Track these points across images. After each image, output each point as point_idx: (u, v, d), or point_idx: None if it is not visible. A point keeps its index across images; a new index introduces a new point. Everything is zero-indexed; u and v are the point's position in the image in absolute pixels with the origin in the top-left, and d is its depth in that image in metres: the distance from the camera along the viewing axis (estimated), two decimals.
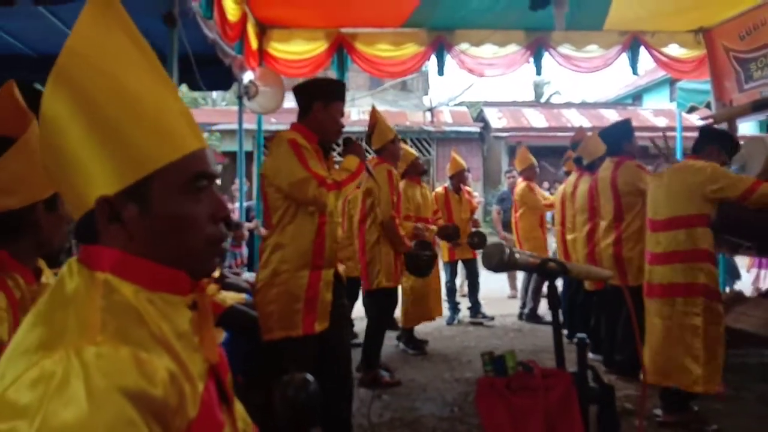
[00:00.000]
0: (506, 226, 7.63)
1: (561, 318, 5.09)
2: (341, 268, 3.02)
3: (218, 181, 0.92)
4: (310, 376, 1.03)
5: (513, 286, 8.17)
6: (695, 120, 8.59)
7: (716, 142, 3.49)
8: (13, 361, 0.71)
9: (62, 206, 1.46)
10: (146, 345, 0.75)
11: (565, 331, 4.92)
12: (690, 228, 3.22)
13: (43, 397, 0.65)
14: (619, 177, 4.20)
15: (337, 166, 2.93)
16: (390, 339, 5.51)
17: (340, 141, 3.03)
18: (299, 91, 2.92)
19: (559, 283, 5.45)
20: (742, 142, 4.55)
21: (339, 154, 3.01)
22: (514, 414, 1.29)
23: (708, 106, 6.35)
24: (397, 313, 5.39)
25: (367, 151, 3.15)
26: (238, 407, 0.97)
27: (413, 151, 5.38)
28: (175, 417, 0.74)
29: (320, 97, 2.81)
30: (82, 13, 0.82)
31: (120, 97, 0.79)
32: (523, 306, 6.69)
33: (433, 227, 5.17)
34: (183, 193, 0.83)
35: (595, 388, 1.40)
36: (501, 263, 1.31)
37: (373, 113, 4.49)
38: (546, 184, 12.80)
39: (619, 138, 4.38)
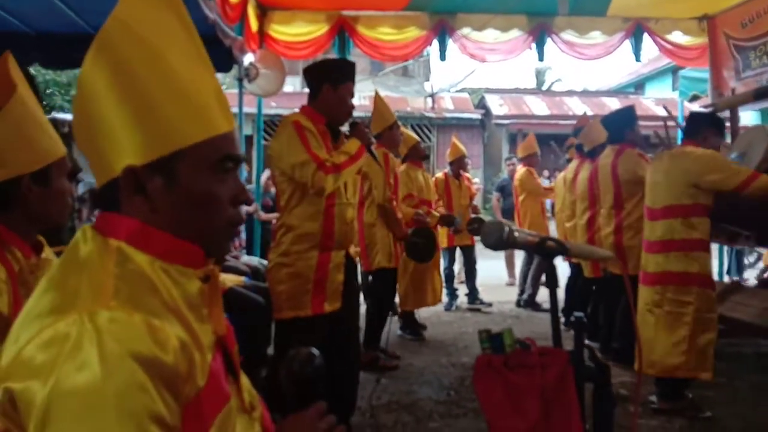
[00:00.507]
0: (505, 213, 7.63)
1: (560, 305, 5.11)
2: (353, 250, 3.01)
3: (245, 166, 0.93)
4: (315, 351, 1.03)
5: (511, 273, 8.18)
6: (697, 109, 8.56)
7: (711, 125, 3.46)
8: (26, 325, 0.72)
9: (57, 181, 1.42)
10: (158, 313, 0.76)
11: (562, 319, 4.94)
12: (686, 217, 3.21)
13: (56, 359, 0.67)
14: (620, 165, 4.18)
15: None
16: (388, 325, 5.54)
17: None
18: (309, 73, 2.92)
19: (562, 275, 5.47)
20: (742, 132, 4.55)
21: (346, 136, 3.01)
22: (511, 391, 1.31)
23: (708, 94, 6.34)
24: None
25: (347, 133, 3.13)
26: (244, 380, 0.98)
27: (414, 135, 5.36)
28: (185, 385, 0.75)
29: (329, 79, 2.81)
30: None
31: (159, 71, 0.80)
32: (521, 293, 6.71)
33: (435, 213, 5.17)
34: (211, 172, 0.85)
35: (591, 367, 1.41)
36: (500, 241, 1.31)
37: (375, 99, 4.49)
38: (546, 173, 12.80)
39: (621, 126, 4.36)
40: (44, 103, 11.63)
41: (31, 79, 3.90)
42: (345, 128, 3.07)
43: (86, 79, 0.81)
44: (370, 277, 4.66)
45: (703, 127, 3.42)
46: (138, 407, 0.67)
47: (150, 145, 0.80)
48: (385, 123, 4.39)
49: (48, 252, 1.52)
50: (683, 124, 3.60)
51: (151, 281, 0.79)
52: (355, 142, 2.89)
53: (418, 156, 5.24)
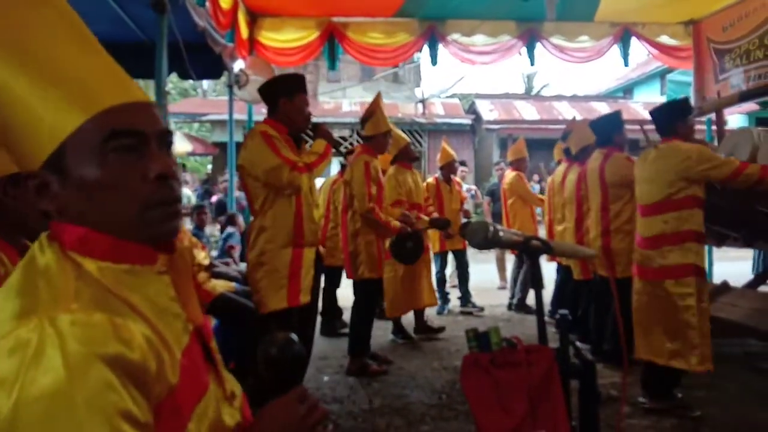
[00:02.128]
0: (495, 217, 7.66)
1: (549, 307, 5.14)
2: (321, 249, 3.41)
3: (172, 141, 0.89)
4: (294, 335, 1.03)
5: (503, 277, 8.20)
6: None
7: (678, 115, 3.46)
8: None
9: None
10: (121, 312, 0.75)
11: (552, 320, 4.96)
12: (678, 210, 3.25)
13: (20, 367, 0.65)
14: (607, 168, 4.22)
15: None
16: (380, 329, 5.55)
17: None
18: (264, 91, 3.24)
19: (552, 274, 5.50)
20: (728, 134, 4.61)
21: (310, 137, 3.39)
22: (498, 388, 1.32)
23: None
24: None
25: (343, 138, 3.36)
26: (224, 369, 0.97)
27: (405, 136, 5.34)
28: (155, 383, 0.74)
29: (284, 93, 3.12)
30: None
31: (16, 74, 0.75)
32: (512, 296, 6.73)
33: (425, 217, 5.16)
34: (97, 156, 0.78)
35: (576, 364, 1.42)
36: (485, 240, 1.33)
37: (376, 101, 4.50)
38: (536, 177, 12.85)
39: (609, 129, 4.40)
40: None
41: None
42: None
43: None
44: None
45: (673, 122, 3.43)
46: (107, 406, 0.67)
47: (37, 148, 0.77)
48: (379, 129, 4.40)
49: None
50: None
51: (106, 287, 0.77)
52: (321, 142, 3.25)
53: (407, 158, 5.22)
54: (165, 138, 0.85)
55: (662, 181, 3.31)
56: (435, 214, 5.56)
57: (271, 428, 0.93)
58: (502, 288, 8.01)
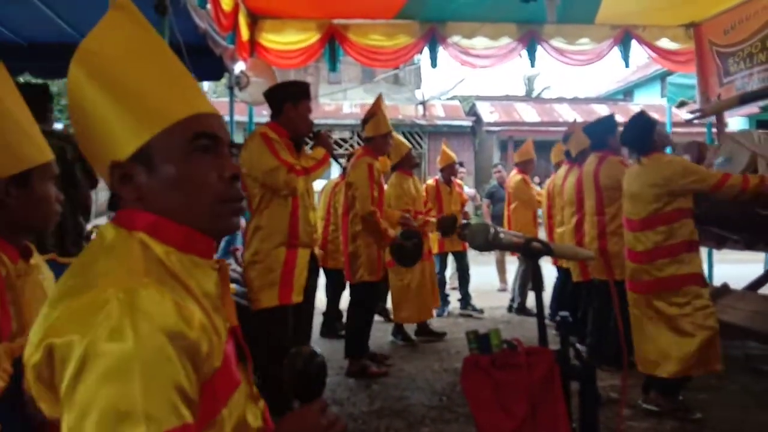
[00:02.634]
0: (495, 219, 7.65)
1: (548, 309, 5.13)
2: (317, 251, 3.47)
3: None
4: (317, 349, 1.10)
5: (503, 279, 8.21)
6: (685, 115, 8.65)
7: (648, 129, 3.45)
8: (57, 303, 0.78)
9: (40, 186, 1.41)
10: (181, 295, 0.83)
11: (552, 322, 4.96)
12: (668, 224, 3.26)
13: (94, 321, 0.73)
14: (602, 171, 4.23)
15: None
16: (381, 330, 5.55)
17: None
18: (270, 95, 3.33)
19: (551, 277, 5.50)
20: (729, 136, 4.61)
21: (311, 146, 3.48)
22: (499, 390, 1.32)
23: (695, 101, 6.41)
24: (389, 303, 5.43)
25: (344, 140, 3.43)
26: (252, 376, 1.04)
27: (407, 143, 5.35)
28: (204, 363, 0.81)
29: (289, 98, 3.21)
30: (106, 15, 0.95)
31: (104, 95, 0.89)
32: (513, 299, 6.73)
33: (433, 219, 5.17)
34: (184, 153, 0.90)
35: (576, 366, 1.42)
36: (485, 242, 1.33)
37: (378, 102, 4.51)
38: (537, 179, 12.86)
39: (603, 133, 4.42)
40: None
41: (45, 91, 3.95)
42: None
43: (73, 93, 0.91)
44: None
45: (648, 136, 3.42)
46: (164, 378, 0.74)
47: (123, 141, 0.89)
48: (379, 130, 4.40)
49: (37, 258, 1.51)
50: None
51: (170, 270, 0.86)
52: (321, 150, 3.33)
53: (409, 165, 5.23)
54: (231, 146, 1.00)
55: (648, 195, 3.31)
56: (434, 218, 5.56)
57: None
58: (502, 290, 8.02)
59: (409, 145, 5.35)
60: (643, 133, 3.45)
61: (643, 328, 3.41)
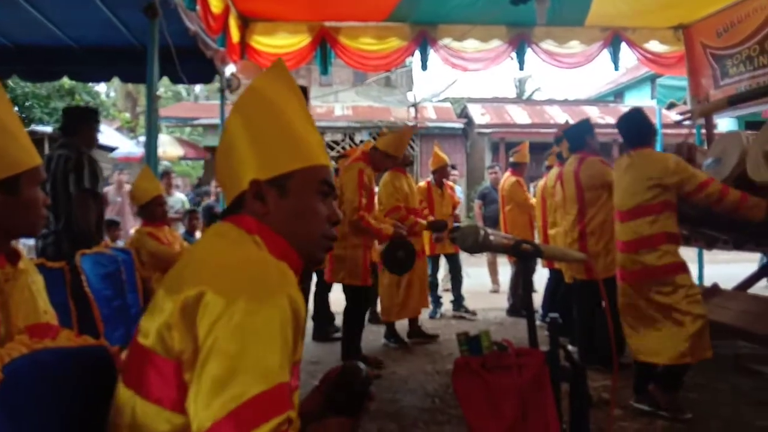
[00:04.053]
0: (487, 220, 7.65)
1: (540, 311, 5.15)
2: None
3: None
4: (361, 364, 1.19)
5: (495, 280, 8.23)
6: (674, 116, 8.71)
7: (643, 124, 3.58)
8: (210, 260, 1.00)
9: (28, 191, 1.40)
10: None
11: (544, 324, 4.97)
12: (652, 215, 3.34)
13: (246, 278, 0.93)
14: (582, 172, 4.28)
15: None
16: (373, 332, 5.55)
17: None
18: None
19: (543, 278, 5.52)
20: (718, 138, 4.65)
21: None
22: (489, 391, 1.33)
23: (686, 102, 6.45)
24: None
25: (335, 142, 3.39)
26: None
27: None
28: (297, 348, 0.96)
29: None
30: (268, 70, 1.20)
31: (272, 122, 1.12)
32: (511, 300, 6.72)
33: (423, 221, 5.17)
34: (312, 191, 1.12)
35: (566, 367, 1.43)
36: (475, 244, 1.34)
37: (408, 129, 4.57)
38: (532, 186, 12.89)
39: (581, 134, 4.50)
40: (23, 115, 11.49)
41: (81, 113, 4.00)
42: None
43: (229, 125, 1.14)
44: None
45: (644, 131, 3.55)
46: (287, 336, 0.90)
47: (267, 167, 1.09)
48: (389, 149, 4.48)
49: (26, 263, 1.50)
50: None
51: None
52: None
53: (402, 163, 5.24)
54: (334, 192, 1.20)
55: (638, 188, 3.38)
56: (431, 218, 5.57)
57: None
58: (495, 291, 8.03)
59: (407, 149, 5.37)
60: (638, 127, 3.56)
61: (634, 318, 3.46)
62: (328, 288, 5.56)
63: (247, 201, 1.09)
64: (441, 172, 6.21)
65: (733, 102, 5.01)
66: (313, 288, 5.51)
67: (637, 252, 3.38)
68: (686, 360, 3.27)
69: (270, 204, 1.08)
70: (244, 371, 0.84)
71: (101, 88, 19.49)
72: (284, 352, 0.88)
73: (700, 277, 6.48)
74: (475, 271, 8.47)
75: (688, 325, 3.24)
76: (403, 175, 5.19)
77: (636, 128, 3.56)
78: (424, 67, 6.09)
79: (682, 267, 3.35)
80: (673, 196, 3.34)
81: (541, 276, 5.90)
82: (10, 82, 10.67)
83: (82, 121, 3.85)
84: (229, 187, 1.13)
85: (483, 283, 8.29)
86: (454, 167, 8.07)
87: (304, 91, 3.37)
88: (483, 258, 8.42)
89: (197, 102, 20.82)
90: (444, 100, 20.56)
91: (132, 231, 4.99)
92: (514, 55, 6.05)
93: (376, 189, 4.83)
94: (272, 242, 1.07)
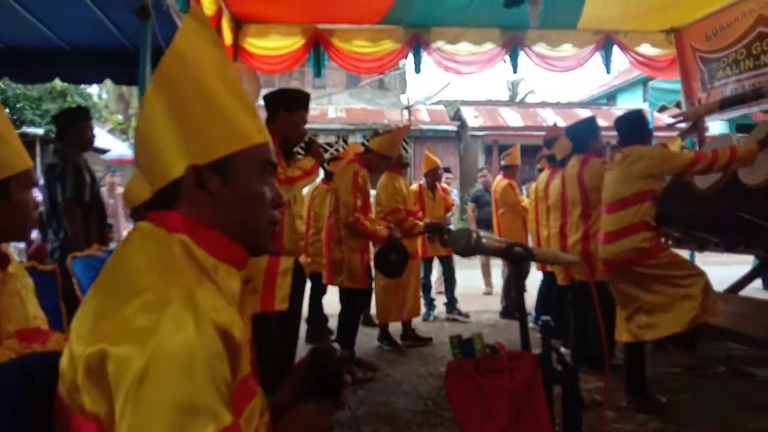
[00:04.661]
0: (481, 223, 7.66)
1: (533, 313, 5.14)
2: (303, 260, 3.40)
3: None
4: (337, 346, 1.13)
5: (488, 283, 8.24)
6: (666, 119, 8.76)
7: (641, 124, 3.75)
8: (109, 302, 0.81)
9: (19, 194, 1.38)
10: (221, 298, 0.87)
11: (536, 326, 4.98)
12: (638, 204, 3.45)
13: (159, 321, 0.75)
14: (585, 174, 4.27)
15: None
16: (367, 335, 5.54)
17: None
18: (267, 100, 3.29)
19: (537, 280, 5.52)
20: (709, 140, 4.68)
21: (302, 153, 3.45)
22: (482, 394, 1.32)
23: (678, 105, 6.49)
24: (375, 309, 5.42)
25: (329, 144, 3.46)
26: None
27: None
28: (237, 366, 0.84)
29: (285, 106, 3.19)
30: (183, 23, 1.00)
31: (202, 97, 0.94)
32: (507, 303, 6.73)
33: (420, 223, 5.18)
34: (257, 174, 0.98)
35: (559, 370, 1.43)
36: (468, 247, 1.34)
37: (402, 128, 4.62)
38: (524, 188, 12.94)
39: (585, 136, 4.46)
40: (14, 117, 11.43)
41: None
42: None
43: (149, 101, 0.95)
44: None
45: (638, 130, 3.71)
46: (217, 373, 0.77)
47: (203, 150, 0.93)
48: (385, 151, 4.48)
49: (15, 266, 1.49)
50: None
51: (209, 273, 0.90)
52: (310, 159, 3.29)
53: (399, 165, 5.26)
54: (276, 169, 1.07)
55: (627, 180, 3.50)
56: (427, 220, 5.57)
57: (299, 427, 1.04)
58: (488, 294, 8.05)
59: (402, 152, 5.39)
60: (635, 127, 3.71)
61: (630, 298, 3.54)
62: (323, 291, 5.56)
63: (184, 191, 0.93)
64: (432, 175, 6.22)
65: (724, 105, 5.04)
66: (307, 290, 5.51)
67: (622, 239, 3.47)
68: (703, 318, 3.37)
69: (215, 193, 0.93)
70: (177, 427, 0.72)
71: (93, 90, 19.44)
72: (218, 389, 0.76)
73: None
74: (469, 274, 8.47)
75: (690, 286, 3.36)
76: (399, 176, 5.21)
77: (632, 127, 3.71)
78: (417, 70, 6.10)
79: (661, 248, 3.51)
80: (659, 185, 3.49)
81: (534, 278, 5.91)
82: (1, 84, 10.62)
83: (67, 124, 3.86)
84: (153, 175, 0.95)
85: (476, 286, 8.30)
86: (448, 170, 8.08)
87: (306, 99, 3.36)
88: (476, 260, 8.43)
89: None
90: (437, 103, 20.61)
91: (125, 233, 4.96)
92: (507, 58, 6.07)
93: (373, 192, 4.83)
94: (205, 239, 0.92)
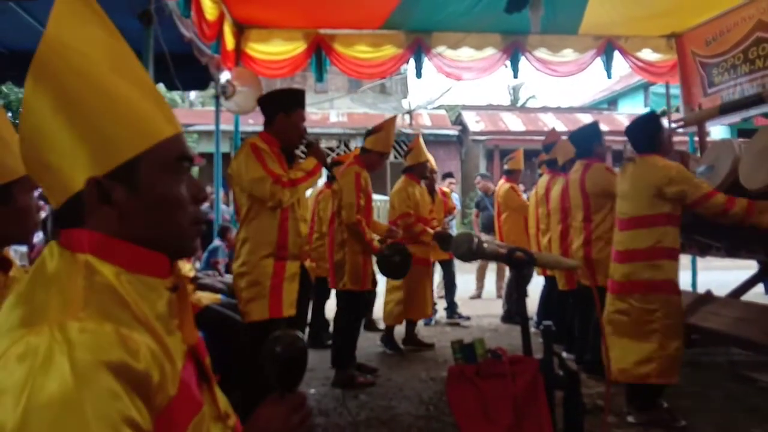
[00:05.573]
0: (484, 227, 7.68)
1: (535, 318, 5.14)
2: (308, 263, 3.39)
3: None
4: (300, 333, 1.05)
5: (479, 286, 8.32)
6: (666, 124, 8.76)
7: (654, 129, 3.45)
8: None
9: (21, 198, 1.39)
10: (128, 323, 0.76)
11: (538, 331, 4.98)
12: (651, 227, 3.26)
13: (29, 374, 0.66)
14: (588, 179, 4.26)
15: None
16: (369, 339, 5.54)
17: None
18: (263, 103, 3.26)
19: (539, 285, 5.52)
20: (710, 146, 4.67)
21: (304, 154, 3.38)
22: (484, 399, 1.32)
23: (678, 110, 6.49)
24: (378, 314, 5.42)
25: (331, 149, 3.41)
26: (218, 389, 0.98)
27: (428, 155, 5.50)
28: (157, 393, 0.75)
29: (282, 107, 3.16)
30: (56, 6, 0.82)
31: (96, 93, 0.81)
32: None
33: (430, 230, 5.21)
34: (168, 173, 0.87)
35: (560, 375, 1.43)
36: (469, 252, 1.34)
37: (390, 121, 4.58)
38: (522, 187, 12.94)
39: (588, 140, 4.45)
40: (16, 122, 11.46)
41: None
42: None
43: (31, 105, 0.81)
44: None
45: (654, 137, 3.42)
46: (113, 414, 0.68)
47: (104, 157, 0.81)
48: (378, 147, 4.45)
49: (17, 271, 1.49)
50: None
51: (119, 294, 0.79)
52: (312, 160, 3.24)
53: (419, 174, 5.31)
54: (193, 162, 0.96)
55: (638, 196, 3.32)
56: (439, 228, 5.55)
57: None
58: (476, 297, 8.11)
59: (428, 157, 5.42)
60: (647, 132, 3.42)
61: (616, 331, 3.40)
62: (327, 295, 5.55)
63: (87, 207, 0.81)
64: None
65: (724, 110, 5.05)
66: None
67: (633, 262, 3.31)
68: (650, 380, 3.24)
69: (121, 204, 0.82)
70: None
71: None
72: (121, 428, 0.68)
73: (694, 284, 6.50)
74: (470, 278, 8.47)
75: (664, 346, 3.21)
76: (417, 183, 5.29)
77: (644, 133, 3.43)
78: (418, 75, 6.12)
79: (675, 286, 3.29)
80: (675, 208, 3.25)
81: (536, 283, 5.91)
82: (3, 88, 10.64)
83: None
84: (51, 191, 0.83)
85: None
86: (451, 175, 8.09)
87: (301, 96, 3.30)
88: (475, 265, 8.44)
89: (192, 108, 20.81)
90: (439, 108, 20.63)
91: None
92: (508, 63, 6.08)
93: (379, 197, 4.85)
94: (116, 255, 0.82)
